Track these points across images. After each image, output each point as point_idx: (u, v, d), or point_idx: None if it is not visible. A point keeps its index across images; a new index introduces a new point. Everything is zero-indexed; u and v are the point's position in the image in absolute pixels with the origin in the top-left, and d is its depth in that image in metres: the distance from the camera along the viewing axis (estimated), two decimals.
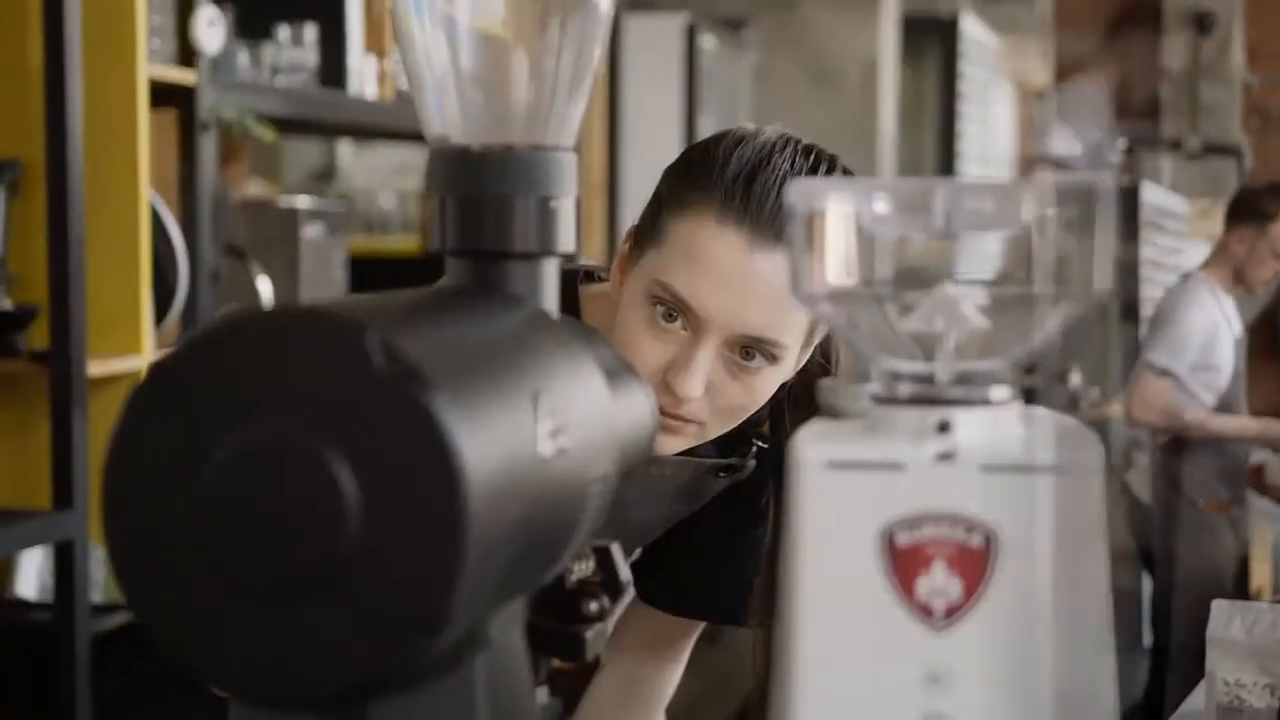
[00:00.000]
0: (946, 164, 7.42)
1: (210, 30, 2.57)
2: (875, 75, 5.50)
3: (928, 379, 0.71)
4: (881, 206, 0.71)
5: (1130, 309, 7.19)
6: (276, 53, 2.90)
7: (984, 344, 0.72)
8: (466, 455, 0.61)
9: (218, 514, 0.62)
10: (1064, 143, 5.52)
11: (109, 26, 2.43)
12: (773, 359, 1.25)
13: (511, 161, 0.80)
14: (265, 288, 2.83)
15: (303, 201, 3.07)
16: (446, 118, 0.82)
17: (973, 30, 7.53)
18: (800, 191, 0.71)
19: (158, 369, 0.63)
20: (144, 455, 0.63)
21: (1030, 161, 9.27)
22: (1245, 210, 4.27)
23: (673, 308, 1.24)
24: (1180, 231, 7.90)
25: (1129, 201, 7.01)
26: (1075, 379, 6.43)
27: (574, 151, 0.83)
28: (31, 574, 2.50)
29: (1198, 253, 8.66)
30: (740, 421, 1.31)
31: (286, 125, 3.12)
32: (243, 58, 2.84)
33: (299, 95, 2.92)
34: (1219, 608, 1.95)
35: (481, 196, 0.80)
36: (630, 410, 0.86)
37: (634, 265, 1.29)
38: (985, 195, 0.69)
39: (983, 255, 0.72)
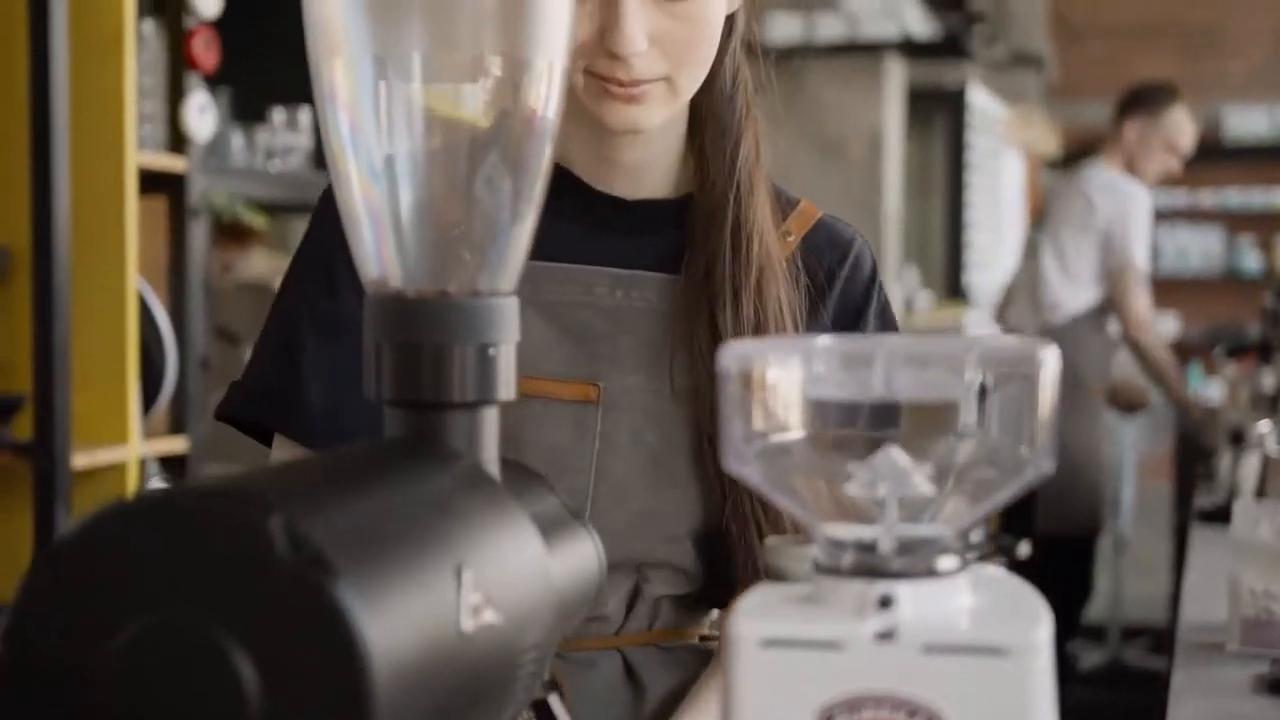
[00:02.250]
0: (954, 232, 7.41)
1: (201, 117, 2.56)
2: (880, 148, 5.49)
3: (870, 547, 0.68)
4: (820, 367, 0.68)
5: (956, 209, 7.29)
6: (271, 136, 2.89)
7: (931, 508, 0.69)
8: (374, 645, 0.58)
9: (113, 706, 0.59)
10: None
11: (98, 114, 2.42)
12: None
13: (448, 308, 0.77)
14: None
15: None
16: (383, 261, 0.79)
17: (980, 101, 7.54)
18: (735, 353, 0.68)
19: (55, 551, 0.60)
20: (39, 643, 0.60)
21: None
22: (1138, 102, 4.39)
23: None
24: (999, 135, 8.00)
25: (956, 103, 7.12)
26: (911, 276, 6.44)
27: (514, 296, 0.81)
28: None
29: (1012, 159, 8.72)
30: (707, 64, 1.21)
31: (284, 206, 3.11)
32: (237, 141, 2.83)
33: (292, 178, 2.91)
34: (1243, 507, 1.79)
35: (418, 344, 0.77)
36: (571, 563, 0.83)
37: None
38: (926, 358, 0.66)
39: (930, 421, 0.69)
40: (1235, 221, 10.13)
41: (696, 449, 1.22)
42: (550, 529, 0.79)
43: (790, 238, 1.31)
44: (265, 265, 3.67)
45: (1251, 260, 10.12)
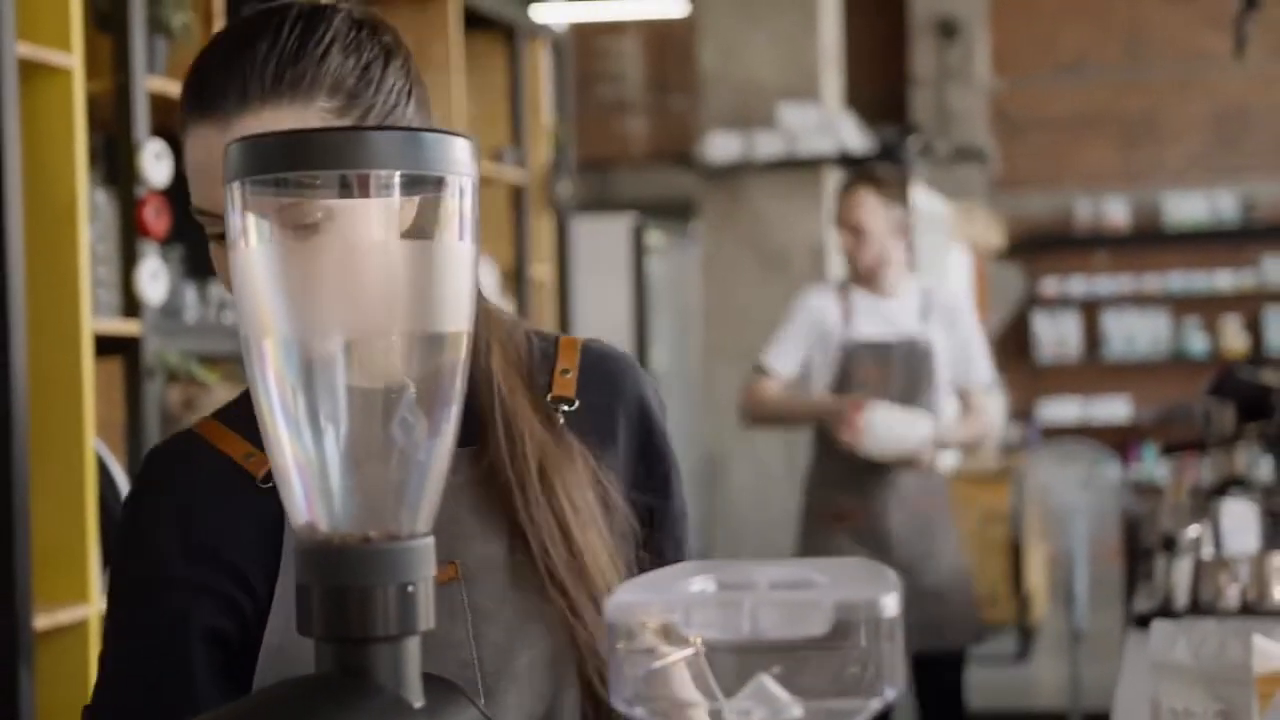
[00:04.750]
0: None
1: (154, 282, 2.66)
2: (823, 257, 5.62)
3: None
4: (696, 614, 0.77)
5: None
6: (222, 290, 2.99)
7: None
8: None
9: None
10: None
11: (54, 282, 2.51)
12: (326, 213, 1.15)
13: (371, 554, 0.86)
14: None
15: None
16: (311, 509, 0.88)
17: (922, 200, 7.69)
18: (618, 604, 0.77)
19: None
20: None
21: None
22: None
23: (214, 223, 1.19)
24: (944, 232, 8.12)
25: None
26: None
27: (430, 535, 0.89)
28: None
29: (959, 254, 8.87)
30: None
31: (238, 356, 3.21)
32: (190, 296, 2.93)
33: None
34: (1160, 628, 1.85)
35: (344, 587, 0.86)
36: None
37: None
38: (785, 607, 0.76)
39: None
40: (1180, 305, 10.34)
41: (542, 588, 1.28)
42: None
43: (569, 374, 1.35)
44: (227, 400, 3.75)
45: (1198, 342, 10.31)
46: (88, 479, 2.50)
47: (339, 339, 0.86)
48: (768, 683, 0.78)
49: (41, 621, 2.40)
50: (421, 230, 0.88)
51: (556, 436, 1.31)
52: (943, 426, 4.09)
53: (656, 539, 1.36)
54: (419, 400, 0.89)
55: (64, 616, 2.45)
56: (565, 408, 1.32)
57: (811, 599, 0.77)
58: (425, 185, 0.87)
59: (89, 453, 2.50)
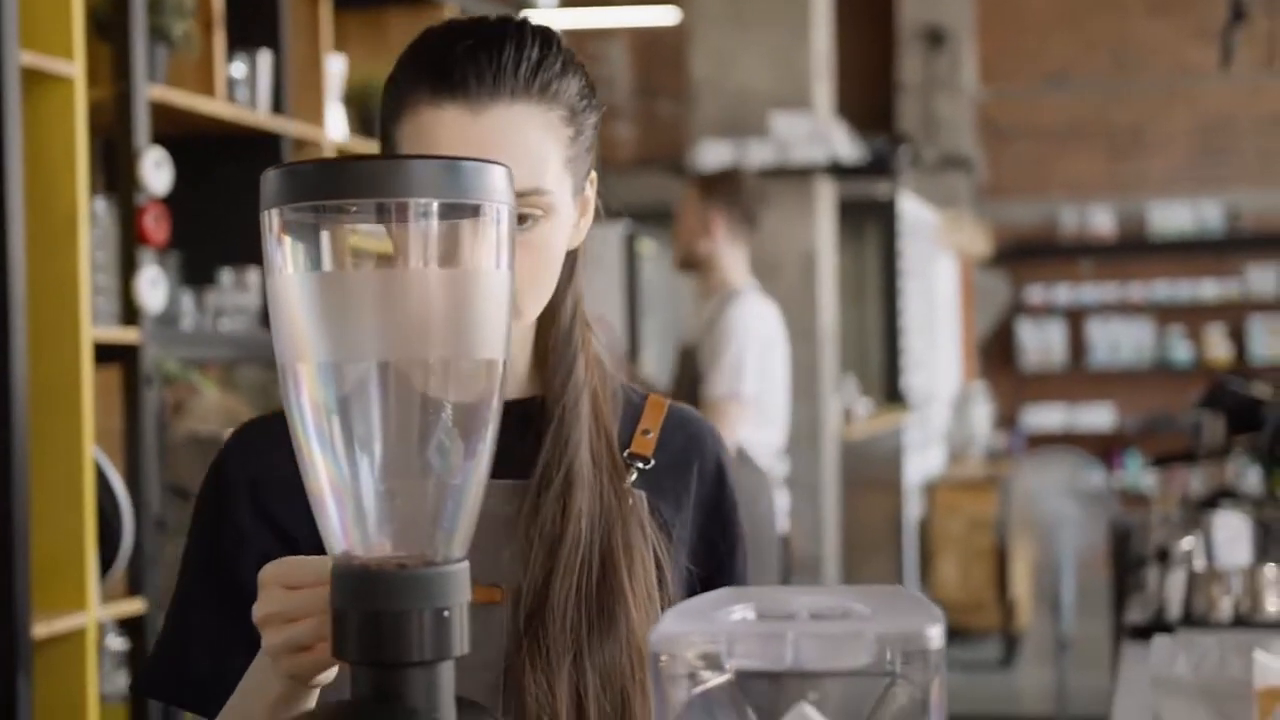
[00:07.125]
0: (890, 338, 7.56)
1: (153, 290, 2.66)
2: (814, 266, 5.63)
3: None
4: (738, 646, 0.78)
5: (891, 315, 7.42)
6: (219, 296, 2.99)
7: None
8: None
9: None
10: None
11: (54, 290, 2.50)
12: (546, 210, 1.22)
13: (406, 579, 0.87)
14: None
15: None
16: (347, 536, 0.89)
17: (910, 208, 7.72)
18: (661, 634, 0.77)
19: None
20: None
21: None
22: None
23: None
24: (931, 239, 8.18)
25: (887, 212, 7.26)
26: (849, 385, 6.53)
27: (465, 559, 0.90)
28: None
29: (948, 261, 8.91)
30: (549, 290, 1.25)
31: (235, 362, 3.21)
32: (187, 303, 2.93)
33: (242, 339, 3.01)
34: (1161, 643, 1.85)
35: (379, 612, 0.86)
36: None
37: None
38: (829, 639, 0.76)
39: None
40: (1164, 314, 10.37)
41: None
42: None
43: (649, 435, 1.35)
44: (217, 406, 3.74)
45: (1182, 351, 10.35)
46: (87, 487, 2.50)
47: (374, 364, 0.86)
48: (809, 710, 0.78)
49: (40, 630, 2.39)
50: (458, 257, 0.88)
51: (619, 493, 1.29)
52: None
53: None
54: (455, 425, 0.89)
55: (62, 625, 2.45)
56: (640, 465, 1.32)
57: (854, 630, 0.77)
58: (463, 213, 0.87)
59: (88, 460, 2.49)
